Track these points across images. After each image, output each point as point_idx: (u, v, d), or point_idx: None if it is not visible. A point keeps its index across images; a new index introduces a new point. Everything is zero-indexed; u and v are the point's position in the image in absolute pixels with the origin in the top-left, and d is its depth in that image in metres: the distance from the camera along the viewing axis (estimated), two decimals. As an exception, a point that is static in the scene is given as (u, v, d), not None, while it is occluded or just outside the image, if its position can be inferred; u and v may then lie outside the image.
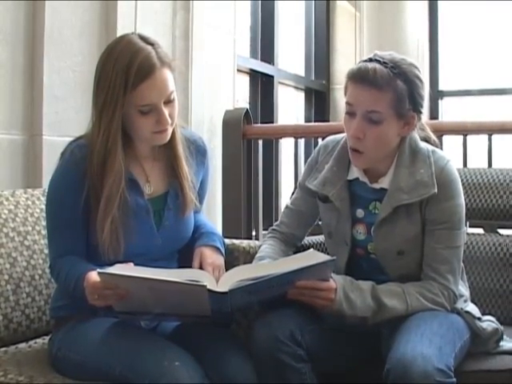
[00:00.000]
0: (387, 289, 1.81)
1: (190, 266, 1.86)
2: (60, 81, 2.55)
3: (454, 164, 1.89)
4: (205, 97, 3.37)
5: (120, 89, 1.70)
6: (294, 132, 3.61)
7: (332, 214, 1.92)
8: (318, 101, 5.29)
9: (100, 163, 1.74)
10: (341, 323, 1.80)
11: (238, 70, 3.90)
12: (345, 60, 5.28)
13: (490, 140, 3.15)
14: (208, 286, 1.59)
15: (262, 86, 4.47)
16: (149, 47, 1.73)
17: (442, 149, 1.95)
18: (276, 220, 2.16)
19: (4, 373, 1.70)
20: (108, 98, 1.72)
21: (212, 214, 3.31)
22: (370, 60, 1.79)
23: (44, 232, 1.98)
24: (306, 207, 2.02)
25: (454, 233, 1.85)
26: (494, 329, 1.88)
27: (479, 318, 1.88)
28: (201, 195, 1.96)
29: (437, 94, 5.85)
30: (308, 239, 2.20)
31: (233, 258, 2.03)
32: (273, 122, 4.37)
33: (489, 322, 1.89)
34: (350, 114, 1.81)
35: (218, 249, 1.91)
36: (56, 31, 2.52)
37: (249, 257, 2.04)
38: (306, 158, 2.15)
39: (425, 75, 2.09)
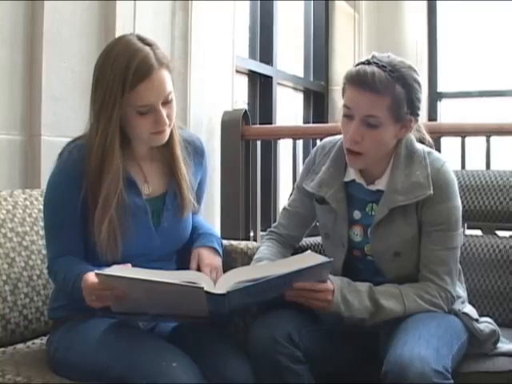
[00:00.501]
0: (384, 290, 1.81)
1: (187, 267, 1.86)
2: (59, 81, 2.55)
3: (450, 165, 1.89)
4: (203, 97, 3.37)
5: (118, 89, 1.70)
6: (293, 133, 3.61)
7: (329, 215, 1.92)
8: (317, 102, 5.29)
9: (98, 164, 1.74)
10: (338, 324, 1.80)
11: (237, 71, 3.90)
12: (343, 61, 5.28)
13: (488, 142, 3.15)
14: (205, 288, 1.59)
15: (261, 87, 4.47)
16: (147, 48, 1.74)
17: (440, 150, 1.96)
18: (274, 221, 2.16)
19: (2, 373, 1.70)
20: (106, 98, 1.72)
21: (210, 214, 3.31)
22: (369, 63, 1.78)
23: (42, 232, 1.98)
24: (304, 209, 2.02)
25: (451, 234, 1.85)
26: (491, 330, 1.88)
27: (477, 320, 1.88)
28: (199, 196, 1.96)
29: (435, 96, 5.85)
30: (305, 240, 2.20)
31: (230, 259, 2.03)
32: (271, 123, 4.37)
33: (486, 324, 1.89)
34: (348, 116, 1.81)
35: (215, 250, 1.91)
36: (55, 31, 2.52)
37: (246, 258, 2.04)
38: (305, 159, 2.15)
39: (423, 77, 2.10)
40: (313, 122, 5.16)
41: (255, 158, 3.50)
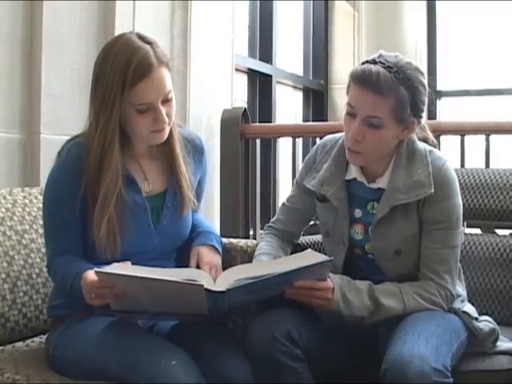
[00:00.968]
0: (384, 288, 1.81)
1: (187, 265, 1.86)
2: (58, 79, 2.55)
3: (452, 164, 1.89)
4: (203, 96, 3.36)
5: (118, 88, 1.70)
6: (292, 131, 3.61)
7: (330, 213, 1.92)
8: (316, 100, 5.29)
9: (97, 162, 1.74)
10: (338, 323, 1.80)
11: (236, 70, 3.90)
12: (343, 60, 5.28)
13: (487, 140, 3.16)
14: (205, 286, 1.59)
15: (260, 86, 4.47)
16: (147, 46, 1.73)
17: (439, 149, 1.95)
18: (274, 220, 2.16)
19: (1, 372, 1.69)
20: (106, 96, 1.72)
21: (210, 213, 3.31)
22: (375, 62, 1.76)
23: (41, 231, 1.98)
24: (302, 205, 2.02)
25: (452, 233, 1.85)
26: (490, 329, 1.88)
27: (476, 318, 1.88)
28: (198, 194, 1.96)
29: (435, 94, 5.84)
30: (305, 239, 2.20)
31: (230, 257, 2.03)
32: (271, 122, 4.37)
33: (486, 323, 1.89)
34: (351, 115, 1.80)
35: (215, 248, 1.91)
36: (54, 30, 2.52)
37: (246, 256, 2.04)
38: (304, 157, 2.15)
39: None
40: (312, 121, 5.16)
41: (255, 156, 3.50)
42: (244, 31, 4.40)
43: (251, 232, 3.50)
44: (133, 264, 1.67)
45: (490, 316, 1.95)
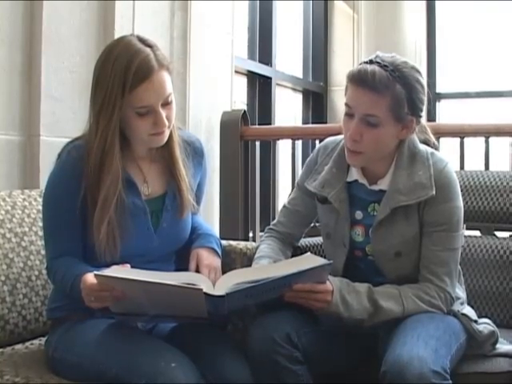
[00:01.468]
0: (384, 291, 1.81)
1: (186, 268, 1.86)
2: (57, 81, 2.55)
3: (453, 166, 1.89)
4: (202, 98, 3.37)
5: (118, 90, 1.70)
6: (292, 134, 3.61)
7: (331, 215, 1.92)
8: (316, 102, 5.29)
9: (97, 164, 1.74)
10: (337, 325, 1.80)
11: (236, 72, 3.90)
12: (342, 62, 5.28)
13: (487, 142, 3.16)
14: (204, 290, 1.59)
15: (260, 88, 4.47)
16: (147, 49, 1.73)
17: (438, 151, 1.96)
18: (273, 222, 2.16)
19: (0, 374, 1.70)
20: (106, 99, 1.72)
21: (209, 215, 3.31)
22: (371, 62, 1.78)
23: (41, 233, 1.98)
24: (304, 207, 2.02)
25: (452, 235, 1.85)
26: (490, 331, 1.88)
27: (475, 321, 1.88)
28: (198, 197, 1.96)
29: (434, 96, 5.84)
30: (306, 241, 2.20)
31: (230, 260, 2.03)
32: (270, 124, 4.37)
33: (485, 325, 1.89)
34: (349, 115, 1.81)
35: (214, 250, 1.91)
36: (54, 31, 2.52)
37: (246, 258, 2.04)
38: (304, 159, 2.15)
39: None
40: (312, 123, 5.16)
41: (254, 158, 3.50)
42: (243, 33, 4.40)
43: (251, 234, 3.50)
44: (132, 267, 1.67)
45: (489, 318, 1.95)
